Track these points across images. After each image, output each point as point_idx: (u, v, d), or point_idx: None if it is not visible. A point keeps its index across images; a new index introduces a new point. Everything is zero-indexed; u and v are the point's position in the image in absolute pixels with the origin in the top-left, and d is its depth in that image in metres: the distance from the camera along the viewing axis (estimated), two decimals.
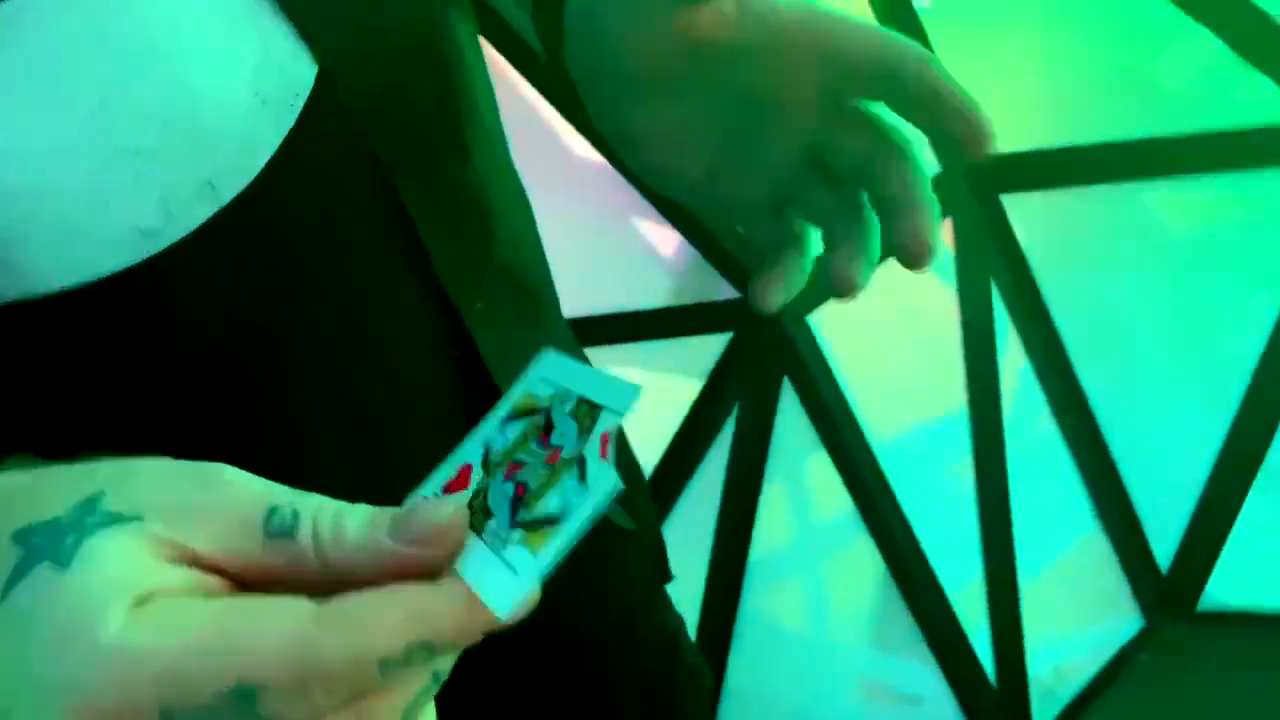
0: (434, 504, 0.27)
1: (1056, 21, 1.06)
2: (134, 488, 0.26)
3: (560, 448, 0.29)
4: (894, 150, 0.38)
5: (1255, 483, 1.20)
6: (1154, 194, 1.09)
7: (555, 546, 0.27)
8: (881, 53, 0.37)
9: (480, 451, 0.31)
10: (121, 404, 0.37)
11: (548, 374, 0.31)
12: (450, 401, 0.44)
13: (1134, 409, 1.21)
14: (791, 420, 1.09)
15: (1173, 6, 1.00)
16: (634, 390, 0.29)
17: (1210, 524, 1.23)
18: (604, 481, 0.28)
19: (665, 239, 0.99)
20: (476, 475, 0.30)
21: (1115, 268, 1.12)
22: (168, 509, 0.26)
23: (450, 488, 0.30)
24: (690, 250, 0.99)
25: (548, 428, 0.30)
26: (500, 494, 0.29)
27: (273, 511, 0.26)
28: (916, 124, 0.37)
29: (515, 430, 0.30)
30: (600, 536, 0.32)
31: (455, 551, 0.27)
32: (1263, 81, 1.01)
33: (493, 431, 0.31)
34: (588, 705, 0.55)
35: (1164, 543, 1.26)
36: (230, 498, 0.26)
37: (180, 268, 0.35)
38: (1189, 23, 1.01)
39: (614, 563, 0.55)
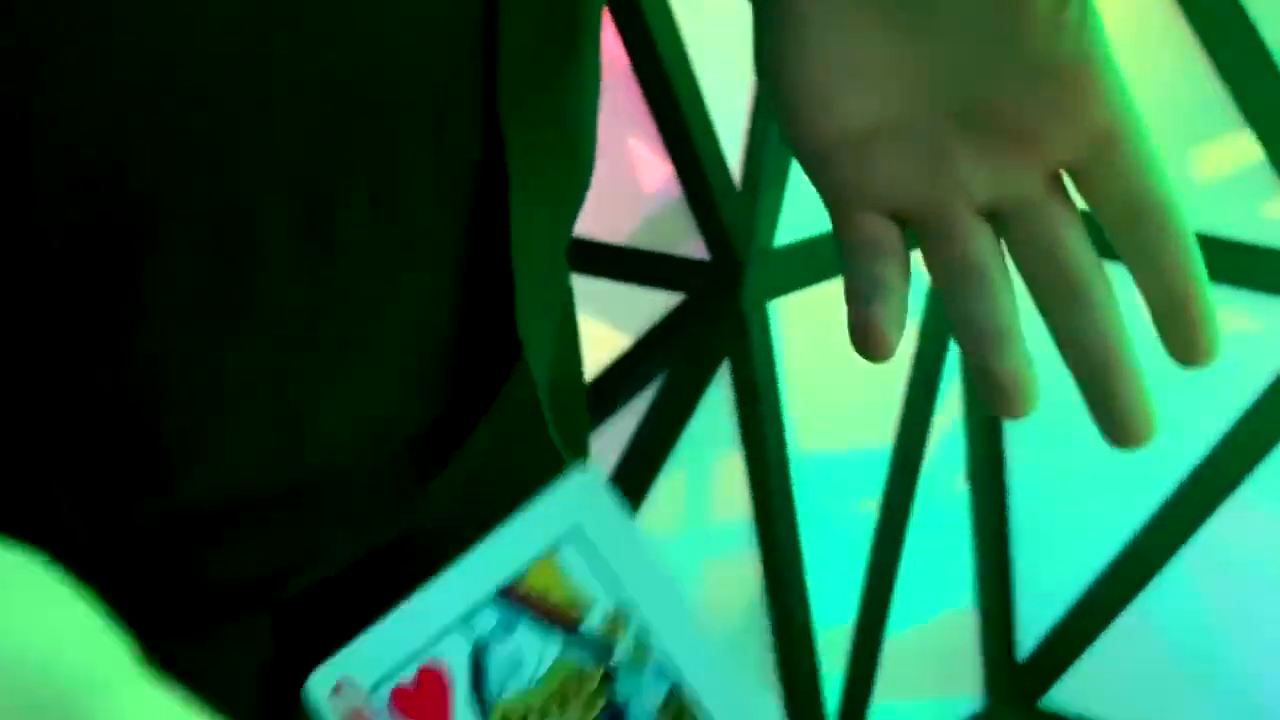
0: None
1: None
2: None
3: None
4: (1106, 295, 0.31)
5: (1136, 599, 1.18)
6: None
7: None
8: (1159, 193, 0.30)
9: (466, 649, 0.18)
10: None
11: (599, 541, 0.18)
12: (449, 253, 0.33)
13: (1047, 494, 1.17)
14: (715, 407, 1.00)
15: (1232, 99, 0.95)
16: None
17: (1079, 628, 1.21)
18: None
19: (653, 172, 0.88)
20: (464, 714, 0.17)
21: None
22: None
23: (407, 708, 0.18)
24: (675, 194, 0.89)
25: (610, 710, 0.18)
26: None
27: None
28: (1132, 275, 0.31)
29: (534, 649, 0.18)
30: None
31: None
32: None
33: (483, 609, 0.18)
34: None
35: (1030, 634, 1.23)
36: None
37: None
38: (1240, 121, 0.96)
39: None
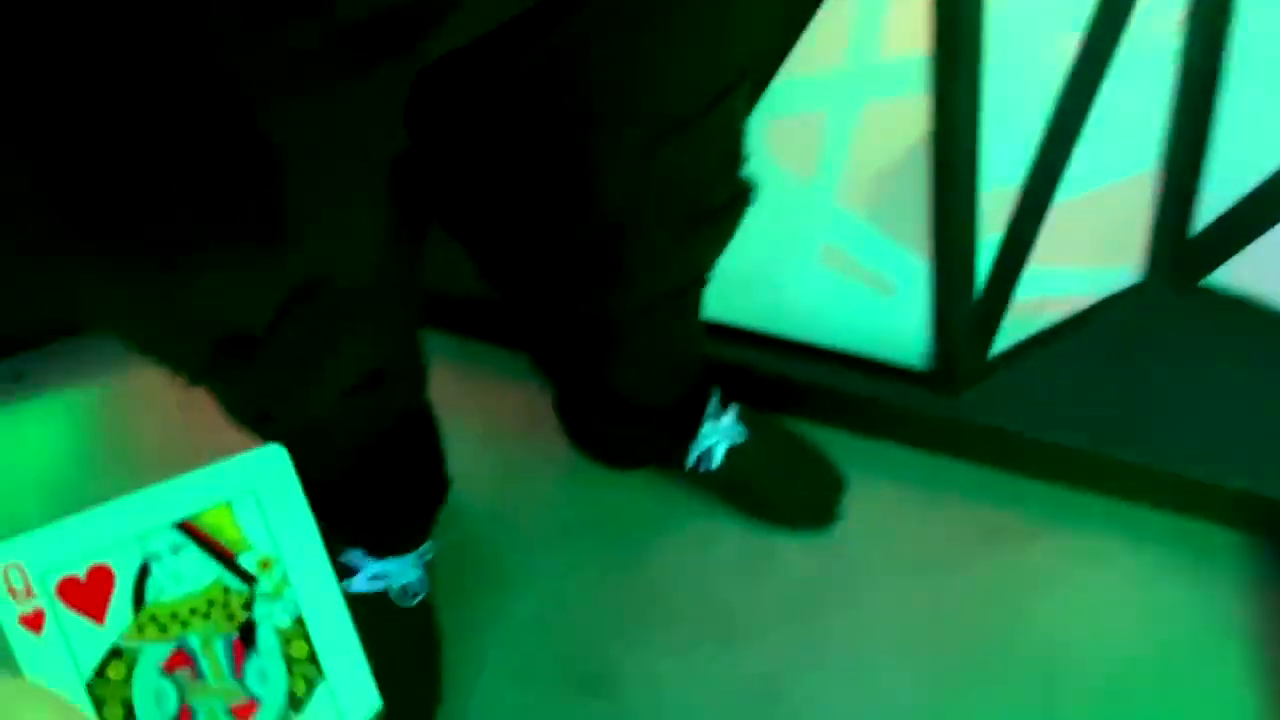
0: None
1: None
2: None
3: (256, 702, 0.23)
4: None
5: None
6: None
7: None
8: None
9: (137, 559, 0.22)
10: None
11: (270, 503, 0.23)
12: None
13: (1268, 56, 1.00)
14: None
15: None
16: (373, 701, 0.24)
17: (1262, 209, 1.08)
18: None
19: None
20: (121, 615, 0.22)
21: None
22: None
23: (71, 594, 0.21)
24: None
25: (247, 634, 0.23)
26: (150, 695, 0.23)
27: None
28: None
29: (194, 570, 0.22)
30: None
31: None
32: None
33: (160, 532, 0.23)
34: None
35: (1210, 210, 1.11)
36: None
37: None
38: None
39: None
